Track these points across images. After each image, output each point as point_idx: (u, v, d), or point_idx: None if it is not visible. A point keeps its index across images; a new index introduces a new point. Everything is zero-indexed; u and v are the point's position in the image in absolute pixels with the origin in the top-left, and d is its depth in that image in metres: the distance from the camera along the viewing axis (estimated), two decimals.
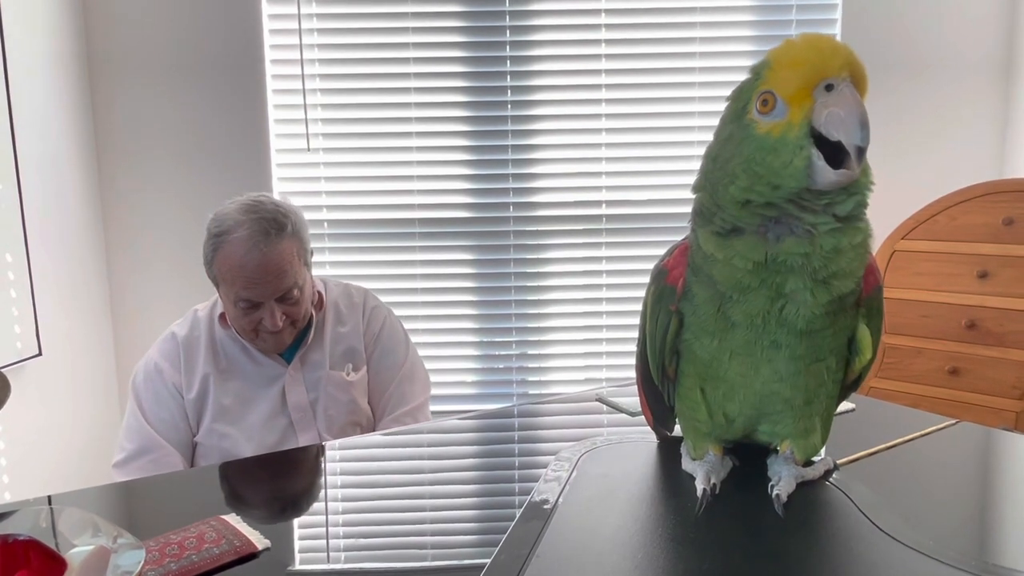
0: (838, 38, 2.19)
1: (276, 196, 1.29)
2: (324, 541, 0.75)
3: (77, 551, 0.57)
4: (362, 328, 1.39)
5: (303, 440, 1.30)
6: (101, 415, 2.18)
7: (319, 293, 1.36)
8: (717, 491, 0.71)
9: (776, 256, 0.60)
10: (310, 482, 0.92)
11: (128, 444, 1.28)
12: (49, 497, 0.82)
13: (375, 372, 1.39)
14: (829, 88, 0.56)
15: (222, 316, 1.32)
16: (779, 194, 0.59)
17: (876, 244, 2.00)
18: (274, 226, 1.21)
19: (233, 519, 0.73)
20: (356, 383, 1.36)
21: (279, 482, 0.92)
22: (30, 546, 0.55)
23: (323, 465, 0.98)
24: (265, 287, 1.21)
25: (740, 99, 0.61)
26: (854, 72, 0.57)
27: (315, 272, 2.25)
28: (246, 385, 1.30)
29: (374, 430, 1.39)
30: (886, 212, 2.00)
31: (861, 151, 0.55)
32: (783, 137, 0.58)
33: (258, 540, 0.69)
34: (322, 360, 1.33)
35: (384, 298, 2.24)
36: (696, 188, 0.67)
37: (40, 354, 1.86)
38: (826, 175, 0.57)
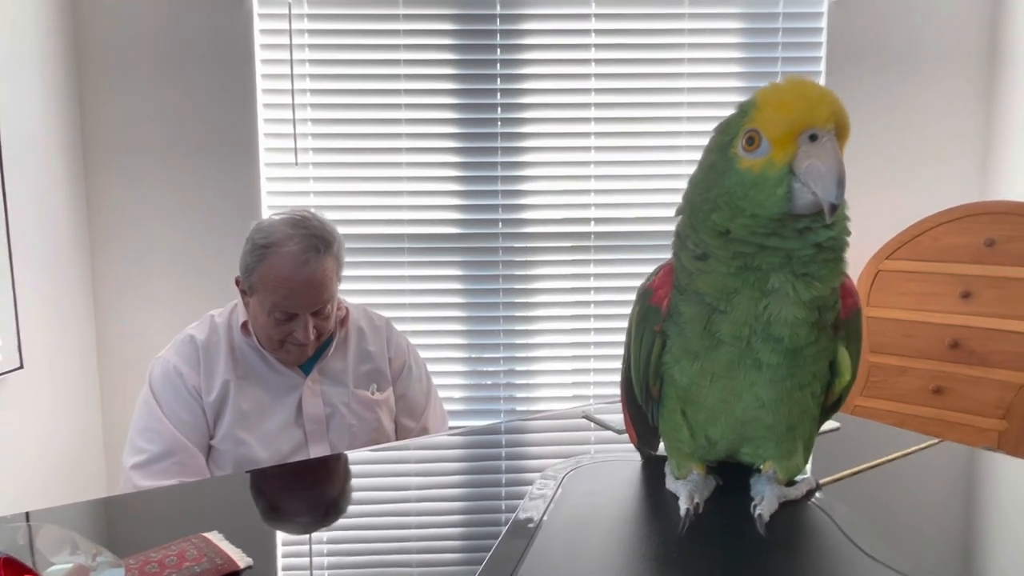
0: (823, 60, 2.24)
1: (319, 213, 1.33)
2: (308, 559, 0.74)
3: (55, 569, 0.56)
4: (387, 352, 1.43)
5: (314, 452, 1.32)
6: (83, 429, 2.15)
7: (347, 309, 1.40)
8: (700, 510, 0.71)
9: (753, 261, 0.62)
10: (294, 498, 0.91)
11: (150, 446, 1.26)
12: (27, 514, 0.81)
13: (407, 400, 1.44)
14: (813, 138, 0.58)
15: (244, 324, 1.33)
16: (759, 224, 0.61)
17: (860, 264, 2.04)
18: (323, 243, 1.26)
19: (215, 536, 0.72)
20: (382, 402, 1.39)
21: (263, 499, 0.92)
22: (5, 564, 0.55)
23: (308, 482, 0.98)
24: (305, 300, 1.25)
25: (726, 133, 0.63)
26: (839, 123, 0.59)
27: None
28: (264, 393, 1.32)
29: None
30: (870, 233, 2.03)
31: (834, 207, 0.57)
32: (763, 174, 0.60)
33: (240, 558, 0.68)
34: (343, 376, 1.36)
35: None
36: (679, 211, 0.69)
37: (22, 367, 1.84)
38: (805, 196, 0.59)
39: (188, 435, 1.28)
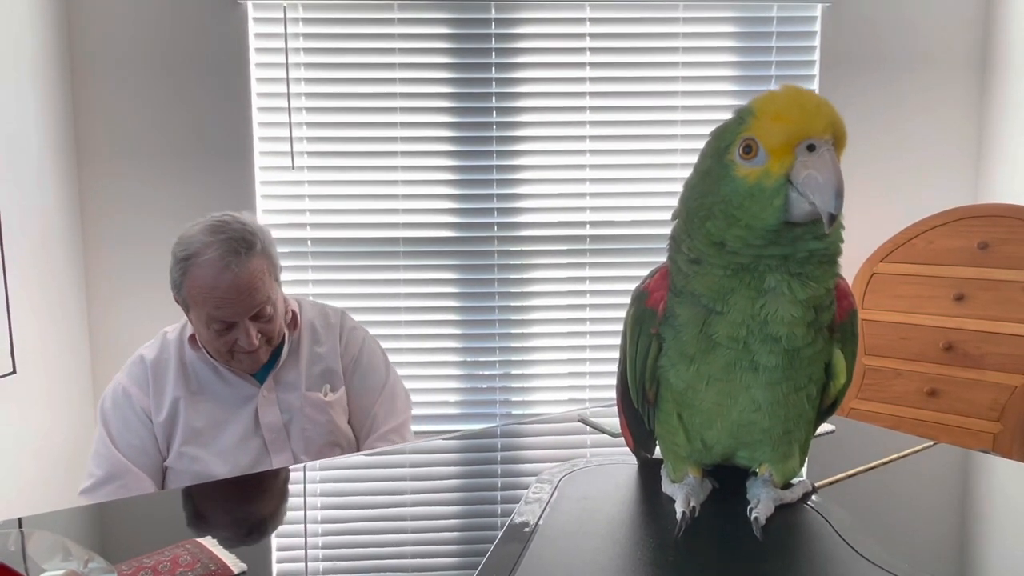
0: (816, 64, 2.24)
1: (241, 214, 1.28)
2: (302, 564, 0.74)
3: (47, 575, 0.56)
4: (339, 349, 1.38)
5: (277, 462, 1.29)
6: (76, 435, 2.14)
7: (293, 312, 1.35)
8: (696, 514, 0.71)
9: (749, 263, 0.62)
10: (288, 504, 0.91)
11: (97, 470, 1.26)
12: (20, 520, 0.80)
13: (356, 394, 1.38)
14: (811, 148, 0.58)
15: (192, 338, 1.30)
16: (754, 235, 0.61)
17: (855, 268, 2.04)
18: (243, 245, 1.21)
19: (209, 542, 0.71)
20: (334, 403, 1.34)
21: (256, 504, 0.91)
22: None
23: (302, 486, 0.97)
24: (238, 306, 1.20)
25: (723, 139, 0.63)
26: (836, 132, 0.59)
27: (297, 291, 2.25)
28: (218, 406, 1.29)
29: (357, 451, 1.38)
30: (865, 236, 2.04)
31: (833, 218, 0.57)
32: (759, 184, 0.60)
33: (234, 564, 0.68)
34: (297, 381, 1.32)
35: (368, 317, 2.24)
36: (675, 215, 0.69)
37: (14, 372, 1.83)
38: (802, 206, 0.59)
39: (136, 458, 1.26)
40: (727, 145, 0.62)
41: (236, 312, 1.21)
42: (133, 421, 1.28)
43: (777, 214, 0.60)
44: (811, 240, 0.61)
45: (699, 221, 0.64)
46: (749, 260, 0.62)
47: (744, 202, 0.61)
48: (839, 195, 0.57)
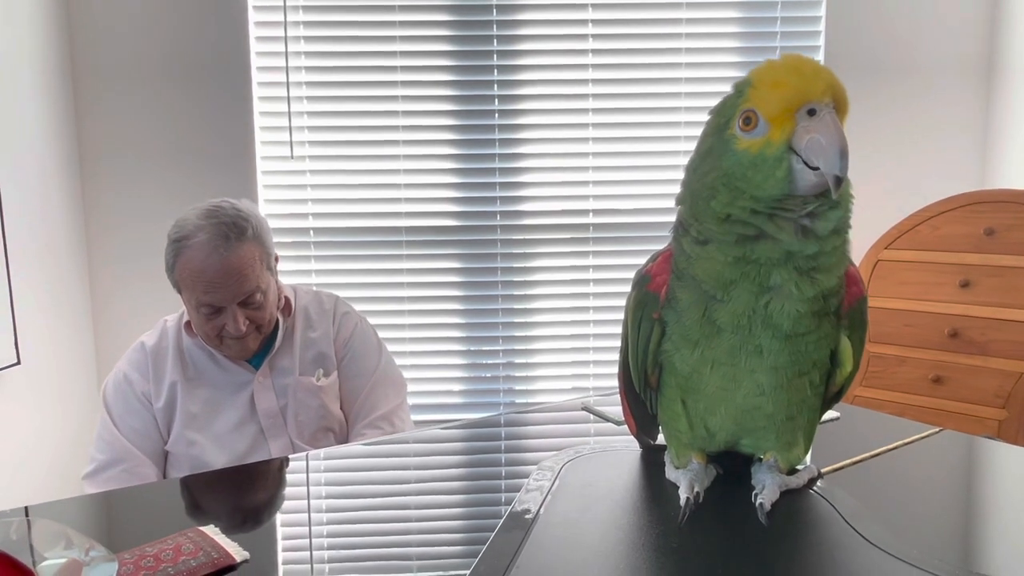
0: (822, 49, 2.23)
1: (239, 201, 1.28)
2: (306, 552, 0.74)
3: (48, 564, 0.56)
4: (332, 334, 1.38)
5: (275, 447, 1.29)
6: (80, 425, 2.15)
7: (287, 299, 1.35)
8: (700, 500, 0.70)
9: (751, 253, 0.60)
10: (291, 492, 0.91)
11: (99, 455, 1.27)
12: (26, 508, 0.80)
13: (347, 378, 1.38)
14: (811, 112, 0.57)
15: (187, 324, 1.31)
16: (760, 207, 0.59)
17: (860, 254, 2.03)
18: (234, 230, 1.21)
19: (211, 530, 0.71)
20: (326, 388, 1.35)
21: (259, 492, 0.91)
22: (0, 560, 0.54)
23: (304, 475, 0.97)
24: (226, 291, 1.21)
25: (722, 114, 0.62)
26: (836, 96, 0.57)
27: (299, 280, 2.25)
28: (214, 392, 1.30)
29: (348, 435, 1.38)
30: (870, 222, 2.02)
31: (839, 180, 0.56)
32: (761, 154, 0.58)
33: (237, 552, 0.68)
34: (291, 366, 1.33)
35: (370, 306, 2.24)
36: (679, 200, 0.68)
37: (18, 363, 1.83)
38: (807, 178, 0.57)
39: (139, 443, 1.27)
40: (727, 120, 0.61)
41: (224, 297, 1.21)
42: (135, 405, 1.29)
43: (781, 185, 0.58)
44: (827, 212, 0.59)
45: (703, 202, 0.63)
46: (755, 231, 0.60)
47: (747, 173, 0.59)
48: (843, 155, 0.55)
